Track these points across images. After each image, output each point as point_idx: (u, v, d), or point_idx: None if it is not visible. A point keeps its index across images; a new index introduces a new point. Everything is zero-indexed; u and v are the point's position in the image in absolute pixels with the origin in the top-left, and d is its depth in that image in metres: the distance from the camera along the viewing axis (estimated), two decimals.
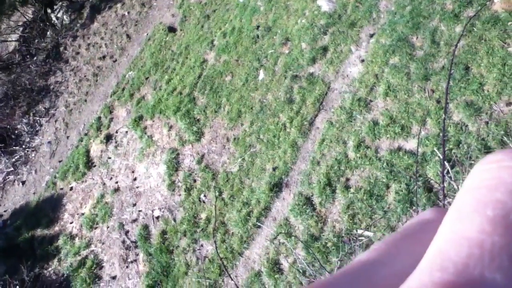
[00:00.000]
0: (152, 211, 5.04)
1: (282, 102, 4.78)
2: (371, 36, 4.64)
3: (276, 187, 4.26)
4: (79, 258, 5.18)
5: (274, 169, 4.40)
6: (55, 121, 7.39)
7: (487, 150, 3.19)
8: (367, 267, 0.20)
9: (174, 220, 4.80)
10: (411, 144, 3.66)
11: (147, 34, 7.50)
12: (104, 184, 5.77)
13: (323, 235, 3.65)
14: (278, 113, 4.75)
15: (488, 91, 3.53)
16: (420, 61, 4.05)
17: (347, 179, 3.87)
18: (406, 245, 0.17)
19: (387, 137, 3.83)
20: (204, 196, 4.74)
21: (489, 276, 0.14)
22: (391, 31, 4.44)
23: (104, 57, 7.81)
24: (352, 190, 3.75)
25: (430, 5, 4.36)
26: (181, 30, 7.07)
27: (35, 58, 8.61)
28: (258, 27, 5.75)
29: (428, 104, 3.76)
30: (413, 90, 3.92)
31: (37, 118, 7.61)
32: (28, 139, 7.38)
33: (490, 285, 0.14)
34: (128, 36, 7.72)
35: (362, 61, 4.53)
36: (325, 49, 4.88)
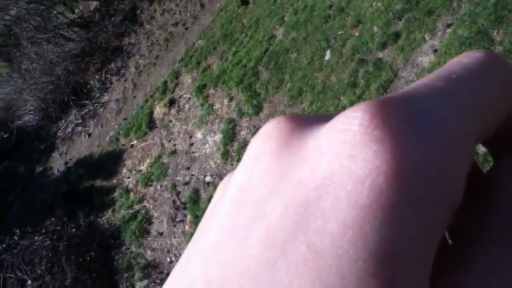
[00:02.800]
0: (204, 176, 5.18)
1: (345, 85, 4.70)
2: (448, 26, 4.43)
3: None
4: (131, 211, 5.46)
5: None
6: (125, 80, 7.71)
7: None
8: None
9: None
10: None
11: (220, 5, 7.58)
12: (163, 145, 5.99)
13: None
14: (339, 96, 4.68)
15: None
16: None
17: None
18: None
19: None
20: None
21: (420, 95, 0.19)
22: (471, 23, 4.21)
23: (177, 23, 8.00)
24: None
25: None
26: (253, 3, 7.08)
27: (112, 18, 8.98)
28: (331, 6, 5.64)
29: None
30: None
31: (109, 76, 7.97)
32: (98, 95, 7.77)
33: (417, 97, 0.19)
34: (201, 5, 7.85)
35: (435, 51, 4.34)
36: (397, 35, 4.72)
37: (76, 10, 9.43)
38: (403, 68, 4.47)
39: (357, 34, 5.11)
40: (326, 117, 0.20)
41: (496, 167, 0.21)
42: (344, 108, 4.51)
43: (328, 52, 5.21)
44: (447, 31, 4.41)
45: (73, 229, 5.36)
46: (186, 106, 6.26)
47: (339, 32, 5.29)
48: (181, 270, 0.19)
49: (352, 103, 4.48)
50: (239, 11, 7.15)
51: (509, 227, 0.18)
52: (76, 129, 7.48)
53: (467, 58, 0.21)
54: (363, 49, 4.88)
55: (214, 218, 0.19)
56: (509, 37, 3.92)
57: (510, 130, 0.21)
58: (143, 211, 5.37)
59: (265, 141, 0.20)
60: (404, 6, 4.87)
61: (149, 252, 4.99)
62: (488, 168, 0.22)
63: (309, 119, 0.20)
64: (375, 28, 4.95)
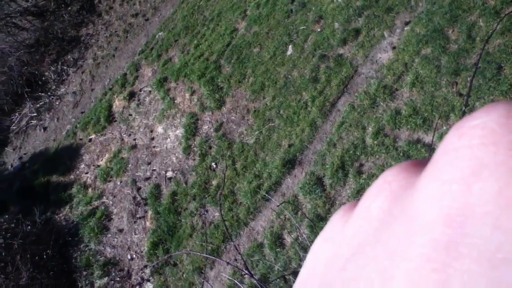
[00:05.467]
0: (166, 171, 5.12)
1: (307, 80, 4.74)
2: (406, 23, 4.53)
3: (289, 164, 4.27)
4: (90, 208, 5.32)
5: (289, 145, 4.41)
6: (82, 72, 7.48)
7: None
8: None
9: (186, 183, 4.87)
10: (430, 138, 3.61)
11: None
12: (123, 139, 5.87)
13: (329, 216, 3.66)
14: (301, 91, 4.72)
15: None
16: (452, 55, 3.95)
17: (361, 165, 3.86)
18: None
19: (408, 128, 3.78)
20: (215, 164, 4.79)
21: None
22: (428, 21, 4.33)
23: (136, 14, 7.82)
24: (364, 176, 3.73)
25: None
26: None
27: (69, 8, 8.67)
28: (293, 1, 5.66)
29: (454, 99, 3.69)
30: (441, 84, 3.84)
31: (65, 68, 7.71)
32: (54, 87, 7.51)
33: None
34: None
35: (394, 48, 4.44)
36: (357, 31, 4.80)
37: None
38: (363, 64, 4.55)
39: (318, 30, 5.15)
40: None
41: None
42: (305, 104, 4.56)
43: (290, 47, 5.23)
44: (405, 28, 4.51)
45: (29, 227, 5.18)
46: (147, 99, 6.15)
47: (301, 27, 5.32)
48: None
49: (313, 99, 4.53)
50: (200, 3, 7.06)
51: None
52: (31, 122, 7.21)
53: None
54: (324, 45, 4.93)
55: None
56: (463, 36, 4.06)
57: None
58: (102, 207, 5.25)
59: (378, 193, 0.21)
60: (364, 2, 4.95)
61: (108, 249, 4.88)
62: None
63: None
64: (336, 24, 5.01)
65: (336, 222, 0.24)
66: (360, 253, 0.19)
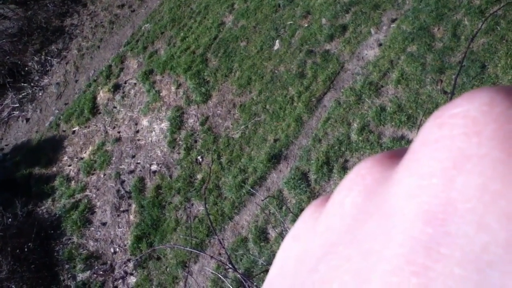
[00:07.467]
0: (150, 165, 5.08)
1: (293, 76, 4.74)
2: (393, 21, 4.56)
3: (275, 159, 4.27)
4: (72, 200, 5.26)
5: (275, 140, 4.41)
6: (66, 63, 7.37)
7: None
8: None
9: (170, 177, 4.84)
10: (414, 135, 3.65)
11: None
12: (107, 132, 5.80)
13: None
14: (287, 86, 4.72)
15: None
16: (437, 53, 3.99)
17: (346, 161, 3.88)
18: None
19: (392, 124, 3.81)
20: (200, 158, 4.77)
21: None
22: (414, 19, 4.36)
23: (122, 5, 7.72)
24: (349, 171, 3.76)
25: None
26: None
27: None
28: None
29: (439, 97, 3.73)
30: (426, 81, 3.88)
31: (49, 58, 7.59)
32: (37, 78, 7.38)
33: None
34: None
35: (380, 45, 4.47)
36: (344, 27, 4.81)
37: None
38: (349, 60, 4.57)
39: (306, 25, 5.15)
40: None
41: None
42: (292, 99, 4.56)
43: (277, 41, 5.22)
44: (392, 25, 4.54)
45: (10, 219, 5.11)
46: (132, 92, 6.09)
47: (289, 22, 5.32)
48: None
49: (300, 94, 4.53)
50: None
51: None
52: (13, 113, 7.08)
53: None
54: (311, 40, 4.93)
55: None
56: (448, 34, 4.10)
57: None
58: (85, 200, 5.19)
59: (351, 188, 0.20)
60: None
61: (91, 243, 4.84)
62: None
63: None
64: (324, 20, 5.01)
65: (306, 218, 0.22)
66: (332, 253, 0.18)
